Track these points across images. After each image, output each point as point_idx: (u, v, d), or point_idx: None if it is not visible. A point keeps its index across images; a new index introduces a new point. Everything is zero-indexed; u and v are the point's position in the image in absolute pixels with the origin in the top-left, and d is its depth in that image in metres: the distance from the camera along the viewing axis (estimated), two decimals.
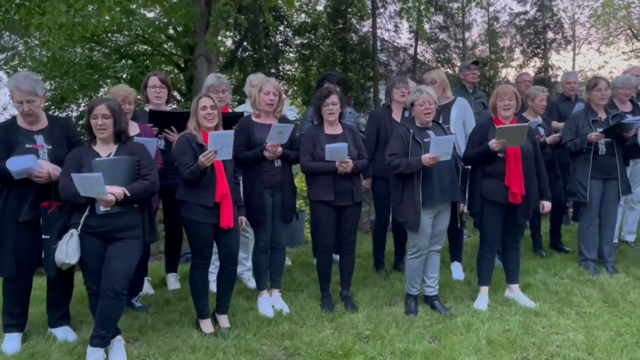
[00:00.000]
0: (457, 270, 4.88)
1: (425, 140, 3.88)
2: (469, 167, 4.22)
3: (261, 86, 4.07)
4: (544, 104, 5.30)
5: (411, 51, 16.81)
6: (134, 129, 3.90)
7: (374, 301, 4.21)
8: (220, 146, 3.41)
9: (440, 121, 4.60)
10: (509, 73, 16.69)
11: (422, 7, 10.28)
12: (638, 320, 3.74)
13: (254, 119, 4.10)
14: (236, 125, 4.12)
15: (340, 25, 16.92)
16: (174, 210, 3.79)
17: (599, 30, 26.20)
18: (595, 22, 26.54)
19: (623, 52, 25.74)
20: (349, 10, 16.16)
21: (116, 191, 3.07)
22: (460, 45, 17.50)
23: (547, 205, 4.13)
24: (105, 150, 3.29)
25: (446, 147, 3.76)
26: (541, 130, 5.23)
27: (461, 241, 4.94)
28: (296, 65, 17.13)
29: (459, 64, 16.77)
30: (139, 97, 4.77)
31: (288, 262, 5.23)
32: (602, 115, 4.75)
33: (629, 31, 28.47)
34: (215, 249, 3.70)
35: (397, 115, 4.75)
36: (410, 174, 3.83)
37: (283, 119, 4.16)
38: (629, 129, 4.51)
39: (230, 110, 4.77)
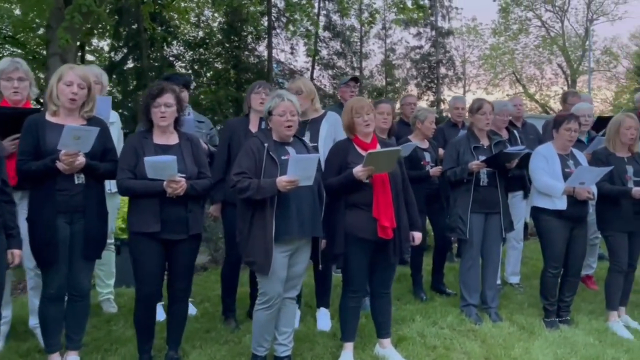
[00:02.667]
0: (323, 319, 4.04)
1: (283, 158, 3.05)
2: None
3: (61, 74, 3.02)
4: (434, 127, 4.75)
5: (308, 75, 16.37)
6: None
7: None
8: None
9: (307, 138, 3.83)
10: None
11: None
12: None
13: (48, 117, 3.03)
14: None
15: (236, 43, 16.08)
16: None
17: (487, 72, 27.92)
18: (484, 63, 28.32)
19: (507, 95, 27.56)
20: (244, 28, 15.40)
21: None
22: (358, 73, 17.39)
23: (417, 237, 3.45)
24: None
25: (308, 169, 2.94)
26: (427, 156, 4.66)
27: (329, 283, 4.12)
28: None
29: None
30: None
31: (192, 310, 4.12)
32: (485, 142, 4.23)
33: (513, 75, 30.77)
34: None
35: (254, 126, 3.89)
36: (261, 200, 2.96)
37: (94, 121, 3.12)
38: (511, 159, 4.01)
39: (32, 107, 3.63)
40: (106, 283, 4.18)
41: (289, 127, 3.09)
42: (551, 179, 3.99)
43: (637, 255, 4.20)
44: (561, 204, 3.94)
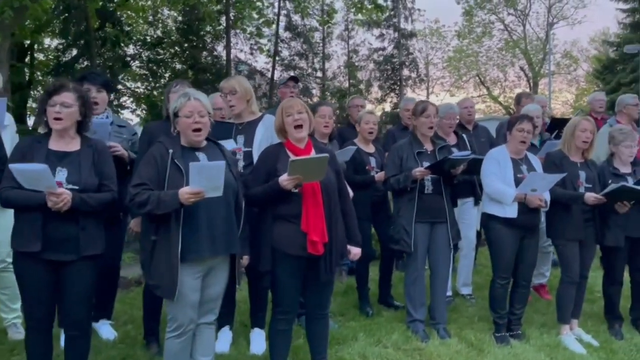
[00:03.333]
0: (257, 341, 3.68)
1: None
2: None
3: None
4: (370, 129, 4.44)
5: (269, 75, 16.01)
6: None
7: None
8: None
9: (241, 142, 3.50)
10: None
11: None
12: None
13: None
14: None
15: (194, 43, 15.58)
16: None
17: (452, 74, 28.10)
18: (448, 65, 28.51)
19: (472, 97, 27.79)
20: (202, 27, 14.92)
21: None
22: (321, 75, 17.11)
23: (355, 252, 3.14)
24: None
25: (214, 178, 2.57)
26: (372, 161, 4.36)
27: (264, 301, 3.77)
28: (138, 81, 15.38)
29: (318, 93, 16.47)
30: None
31: (111, 335, 3.75)
32: (429, 147, 3.96)
33: (477, 78, 31.12)
34: None
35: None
36: (165, 215, 2.59)
37: None
38: (457, 164, 3.75)
39: None
40: (11, 307, 3.73)
41: (197, 130, 2.73)
42: (503, 184, 3.75)
43: (589, 265, 4.01)
44: (512, 212, 3.70)
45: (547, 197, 3.73)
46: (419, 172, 3.73)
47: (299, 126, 2.98)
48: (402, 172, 3.83)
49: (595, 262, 4.24)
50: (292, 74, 14.89)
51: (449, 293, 4.58)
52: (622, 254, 3.96)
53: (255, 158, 3.36)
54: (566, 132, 3.95)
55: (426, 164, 3.76)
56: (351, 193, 4.21)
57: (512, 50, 30.61)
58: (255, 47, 14.88)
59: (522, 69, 30.54)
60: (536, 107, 4.70)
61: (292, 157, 2.77)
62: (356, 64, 17.66)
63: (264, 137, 3.53)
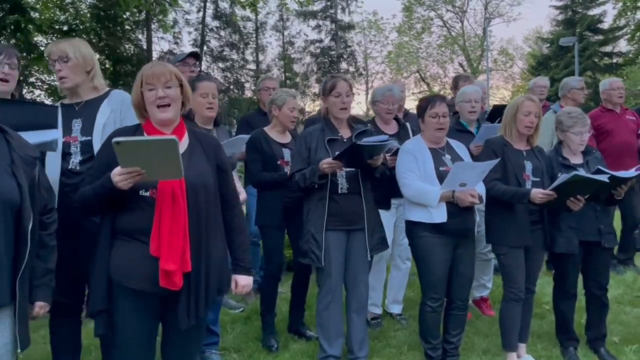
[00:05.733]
0: None
1: None
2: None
3: None
4: (295, 115, 3.57)
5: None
6: None
7: None
8: None
9: (77, 128, 2.59)
10: (303, 100, 15.84)
11: None
12: None
13: None
14: None
15: (111, 31, 14.16)
16: None
17: (391, 69, 27.78)
18: (389, 61, 28.20)
19: (413, 93, 27.57)
20: (120, 13, 13.53)
21: None
22: (254, 67, 16.12)
23: (242, 284, 2.24)
24: None
25: None
26: (287, 154, 3.48)
27: None
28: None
29: (252, 87, 15.47)
30: None
31: None
32: (345, 133, 3.14)
33: (417, 74, 31.08)
34: None
35: None
36: None
37: None
38: (374, 153, 2.93)
39: None
40: None
41: None
42: (423, 182, 2.99)
43: (537, 277, 3.31)
44: (439, 216, 2.94)
45: (480, 190, 3.00)
46: (326, 165, 2.89)
47: (165, 105, 2.05)
48: (311, 165, 2.99)
49: (542, 268, 3.57)
50: (220, 64, 13.85)
51: (378, 311, 3.79)
52: (576, 262, 3.29)
53: (97, 147, 2.42)
54: (507, 114, 3.24)
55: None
56: (243, 195, 3.35)
57: (451, 46, 30.81)
58: (180, 36, 13.72)
59: (461, 65, 30.72)
60: (475, 89, 3.98)
61: (117, 138, 1.84)
62: (292, 56, 16.80)
63: (110, 119, 2.57)
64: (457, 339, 3.13)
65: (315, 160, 3.00)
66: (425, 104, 3.15)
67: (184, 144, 2.08)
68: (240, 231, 2.20)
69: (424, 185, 2.99)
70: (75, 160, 2.51)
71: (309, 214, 3.06)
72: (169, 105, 2.05)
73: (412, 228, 3.07)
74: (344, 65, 17.63)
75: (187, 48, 14.26)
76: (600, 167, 3.00)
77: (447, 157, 3.10)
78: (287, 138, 3.54)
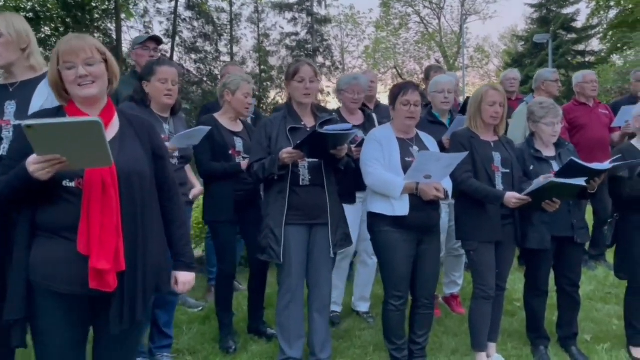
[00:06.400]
0: None
1: None
2: None
3: None
4: (250, 102, 3.35)
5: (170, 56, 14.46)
6: None
7: None
8: None
9: (10, 111, 2.38)
10: (280, 94, 15.54)
11: None
12: None
13: None
14: None
15: (79, 19, 13.71)
16: None
17: (369, 64, 27.69)
18: (366, 57, 28.15)
19: (390, 90, 27.56)
20: (86, 1, 13.09)
21: None
22: (229, 59, 15.79)
23: (183, 281, 2.01)
24: None
25: None
26: (238, 143, 3.28)
27: None
28: None
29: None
30: None
31: None
32: (309, 122, 2.95)
33: (394, 70, 31.11)
34: None
35: None
36: None
37: None
38: (338, 143, 2.75)
39: None
40: None
41: None
42: (388, 172, 2.83)
43: (507, 273, 3.18)
44: (402, 209, 2.78)
45: (447, 185, 2.85)
46: (286, 154, 2.70)
47: (85, 85, 1.81)
48: (271, 155, 2.80)
49: (513, 263, 3.46)
50: (192, 56, 13.50)
51: (338, 309, 3.62)
52: (548, 258, 3.17)
53: None
54: (471, 105, 3.09)
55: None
56: (198, 188, 3.14)
57: (428, 43, 30.92)
58: (150, 26, 13.31)
59: (437, 61, 30.82)
60: (449, 79, 3.84)
61: (27, 121, 1.61)
62: (267, 48, 16.51)
63: (48, 103, 2.32)
64: (423, 339, 2.98)
65: (275, 150, 2.80)
66: (397, 90, 2.98)
67: (113, 127, 1.85)
68: (180, 223, 1.98)
69: (388, 175, 2.83)
70: (7, 146, 2.27)
71: (268, 207, 2.87)
72: (88, 85, 1.81)
73: (374, 221, 2.90)
74: (320, 59, 17.40)
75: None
76: (573, 158, 2.87)
77: (415, 149, 2.95)
78: (239, 126, 3.33)
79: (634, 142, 3.25)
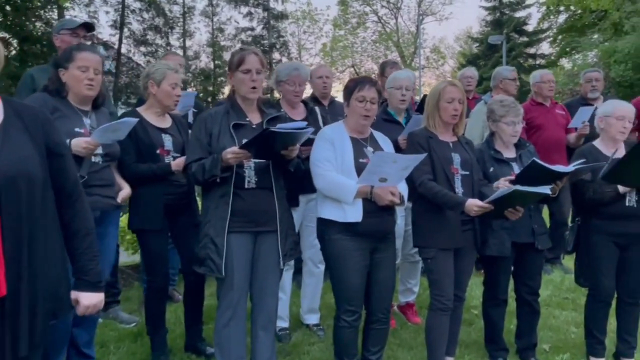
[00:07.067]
0: None
1: None
2: None
3: None
4: (178, 94, 3.00)
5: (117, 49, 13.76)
6: None
7: None
8: None
9: None
10: None
11: None
12: None
13: None
14: None
15: (18, 7, 12.88)
16: None
17: (326, 61, 27.57)
18: (324, 55, 28.01)
19: (344, 85, 27.51)
20: None
21: None
22: (181, 53, 15.21)
23: (86, 304, 1.68)
24: None
25: None
26: (167, 141, 2.94)
27: None
28: None
29: None
30: None
31: None
32: (254, 118, 2.67)
33: (352, 69, 31.11)
34: None
35: None
36: None
37: None
38: (289, 143, 2.48)
39: None
40: None
41: None
42: (340, 174, 2.59)
43: (467, 283, 3.00)
44: (354, 214, 2.54)
45: (402, 189, 2.64)
46: (231, 154, 2.40)
47: None
48: (212, 154, 2.50)
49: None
50: (142, 49, 12.89)
51: (284, 325, 3.36)
52: (507, 265, 3.02)
53: None
54: (429, 102, 2.88)
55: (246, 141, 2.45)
56: (126, 190, 2.81)
57: (386, 42, 31.09)
58: (96, 16, 12.60)
59: (394, 62, 31.09)
60: (407, 74, 3.63)
61: None
62: (222, 43, 16.02)
63: None
64: (377, 356, 2.75)
65: (217, 148, 2.50)
66: (352, 85, 2.73)
67: None
68: (84, 234, 1.66)
69: (340, 178, 2.58)
70: None
71: (208, 214, 2.56)
72: None
73: (324, 228, 2.65)
74: (276, 55, 17.11)
75: (106, 30, 13.17)
76: (535, 159, 2.71)
77: (369, 150, 2.71)
78: (167, 122, 3.00)
79: (596, 143, 3.13)
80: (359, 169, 2.57)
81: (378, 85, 2.73)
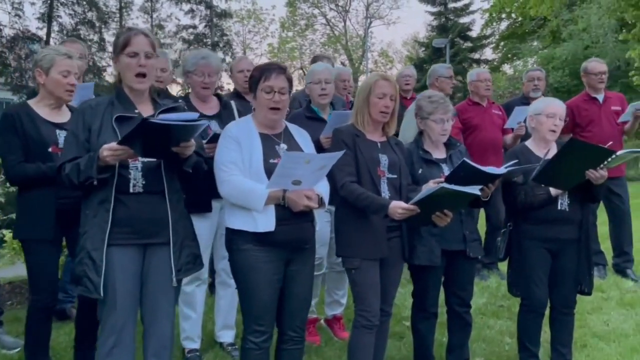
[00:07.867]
0: None
1: None
2: None
3: None
4: (69, 82, 2.57)
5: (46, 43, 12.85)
6: None
7: None
8: None
9: None
10: (180, 92, 14.57)
11: None
12: None
13: None
14: None
15: None
16: None
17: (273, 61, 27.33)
18: (270, 54, 27.71)
19: (297, 90, 27.29)
20: None
21: None
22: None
23: None
24: None
25: None
26: (61, 138, 2.52)
27: None
28: None
29: (109, 70, 13.81)
30: None
31: None
32: (146, 110, 2.26)
33: (300, 71, 30.89)
34: None
35: None
36: None
37: None
38: (183, 138, 2.08)
39: None
40: None
41: None
42: (247, 179, 2.25)
43: (394, 296, 2.73)
44: (266, 223, 2.22)
45: (322, 190, 2.34)
46: (107, 151, 2.01)
47: None
48: (89, 152, 2.10)
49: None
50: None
51: (195, 345, 2.98)
52: (437, 275, 2.77)
53: None
54: (358, 97, 2.61)
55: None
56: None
57: (334, 45, 31.11)
58: (21, 8, 11.73)
59: (343, 64, 31.10)
60: (325, 67, 3.34)
61: None
62: (162, 41, 15.36)
63: None
64: None
65: (97, 145, 2.10)
66: (258, 74, 2.39)
67: None
68: None
69: (248, 183, 2.24)
70: None
71: (86, 224, 2.16)
72: None
73: (232, 238, 2.31)
74: (220, 54, 16.54)
75: (32, 22, 12.20)
76: (465, 159, 2.47)
77: (283, 147, 2.39)
78: (63, 116, 2.60)
79: (528, 144, 2.94)
80: (270, 170, 2.23)
81: (288, 73, 2.41)
